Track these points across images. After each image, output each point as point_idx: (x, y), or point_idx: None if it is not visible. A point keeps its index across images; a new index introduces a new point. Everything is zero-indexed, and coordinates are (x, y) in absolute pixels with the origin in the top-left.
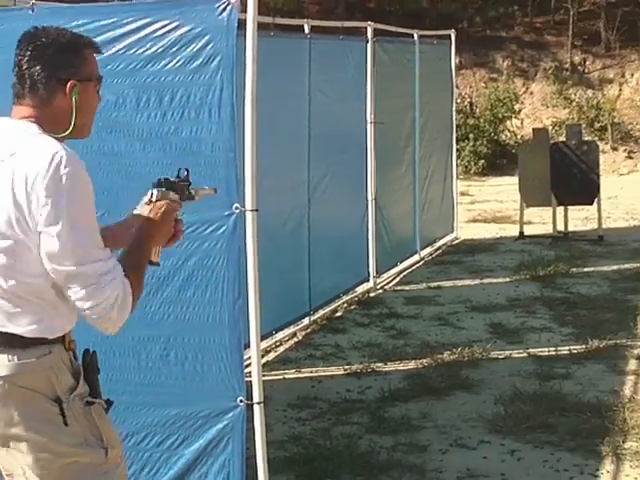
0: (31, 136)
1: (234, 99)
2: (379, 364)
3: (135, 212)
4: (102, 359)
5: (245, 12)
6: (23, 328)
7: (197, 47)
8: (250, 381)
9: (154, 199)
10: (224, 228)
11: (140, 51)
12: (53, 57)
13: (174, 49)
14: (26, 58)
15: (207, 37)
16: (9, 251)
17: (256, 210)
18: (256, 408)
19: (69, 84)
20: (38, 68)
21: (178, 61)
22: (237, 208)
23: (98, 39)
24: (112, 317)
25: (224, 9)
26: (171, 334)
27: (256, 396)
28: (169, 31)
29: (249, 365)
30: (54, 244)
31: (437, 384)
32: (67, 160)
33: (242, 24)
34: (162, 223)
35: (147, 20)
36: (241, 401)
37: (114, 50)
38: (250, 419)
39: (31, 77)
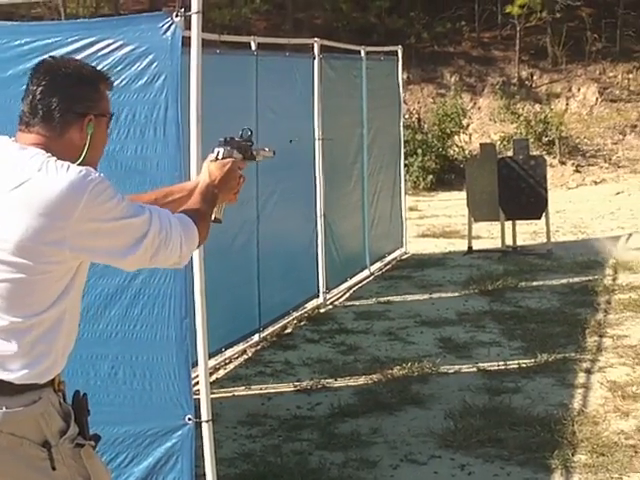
0: (47, 161)
1: (180, 117)
2: (329, 380)
3: (201, 173)
4: None
5: (190, 29)
6: (14, 374)
7: (142, 66)
8: (199, 399)
9: (220, 157)
10: None
11: None
12: (72, 89)
13: (119, 68)
14: (41, 88)
15: (151, 56)
16: (17, 282)
17: None
18: (205, 426)
19: (86, 118)
20: (55, 99)
21: (123, 80)
22: None
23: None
24: (183, 254)
25: (168, 28)
26: (119, 352)
27: (204, 414)
28: (113, 50)
29: (198, 383)
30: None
31: (387, 399)
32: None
33: (187, 41)
34: (228, 179)
35: (92, 39)
36: (189, 419)
37: None
38: (199, 437)
39: (47, 107)
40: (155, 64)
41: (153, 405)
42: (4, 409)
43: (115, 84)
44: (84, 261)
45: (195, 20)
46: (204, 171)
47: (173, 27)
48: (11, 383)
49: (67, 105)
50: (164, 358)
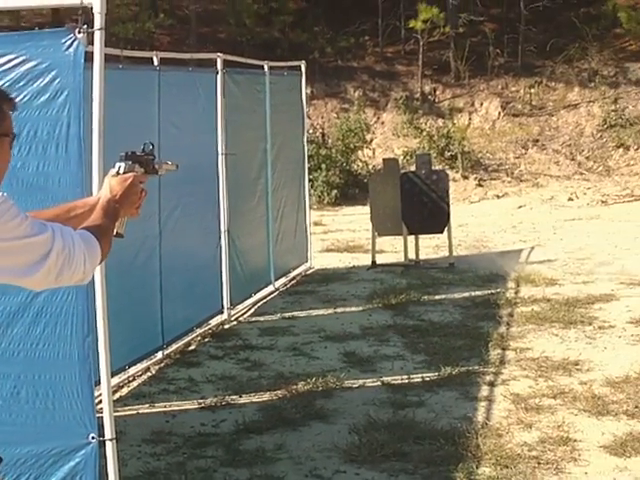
0: None
1: (82, 133)
2: (234, 397)
3: (102, 189)
4: None
5: (93, 44)
6: None
7: (44, 82)
8: (102, 417)
9: (122, 171)
10: None
11: None
12: None
13: (21, 84)
14: None
15: (54, 72)
16: None
17: None
18: (108, 444)
19: None
20: None
21: (25, 96)
22: None
23: None
24: (87, 270)
25: (71, 44)
26: (22, 371)
27: (108, 432)
28: (16, 65)
29: (101, 401)
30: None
31: (292, 415)
32: None
33: (90, 56)
34: (129, 193)
35: None
36: (93, 438)
37: None
38: (103, 455)
39: None
40: (57, 80)
41: (56, 424)
42: None
43: (17, 100)
44: None
45: (98, 37)
46: (105, 186)
47: (76, 43)
48: None
49: None
50: (67, 377)
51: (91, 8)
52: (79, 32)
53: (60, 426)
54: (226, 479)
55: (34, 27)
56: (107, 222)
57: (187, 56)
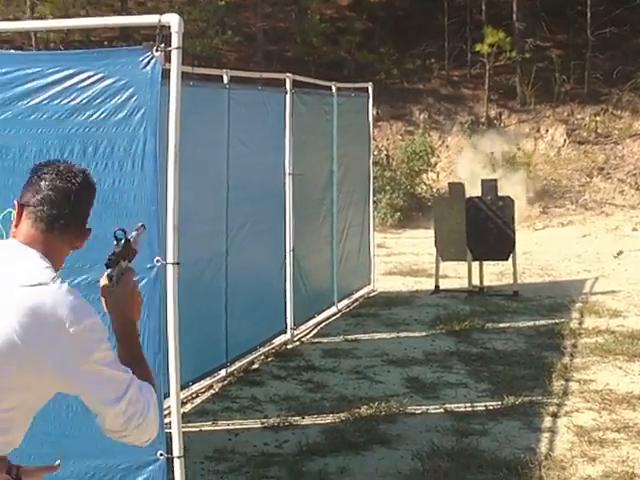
0: None
1: (158, 151)
2: (296, 418)
3: (106, 307)
4: None
5: (168, 61)
6: None
7: (121, 99)
8: (169, 433)
9: (115, 279)
10: (145, 281)
11: (65, 101)
12: None
13: (98, 100)
14: None
15: (131, 90)
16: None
17: (177, 263)
18: (176, 462)
19: None
20: None
21: (102, 112)
22: (158, 261)
23: (22, 88)
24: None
25: (148, 62)
26: None
27: (176, 450)
28: (94, 82)
29: (167, 415)
30: None
31: (355, 438)
32: None
33: (164, 73)
34: (139, 303)
35: (72, 71)
36: (161, 454)
37: (39, 100)
38: (169, 471)
39: None
40: (135, 97)
41: None
42: None
43: (95, 117)
44: None
45: (175, 55)
46: (106, 304)
47: (153, 61)
48: None
49: None
50: None
51: (169, 27)
52: (156, 50)
53: None
54: None
55: (104, 42)
56: (140, 352)
57: (257, 75)
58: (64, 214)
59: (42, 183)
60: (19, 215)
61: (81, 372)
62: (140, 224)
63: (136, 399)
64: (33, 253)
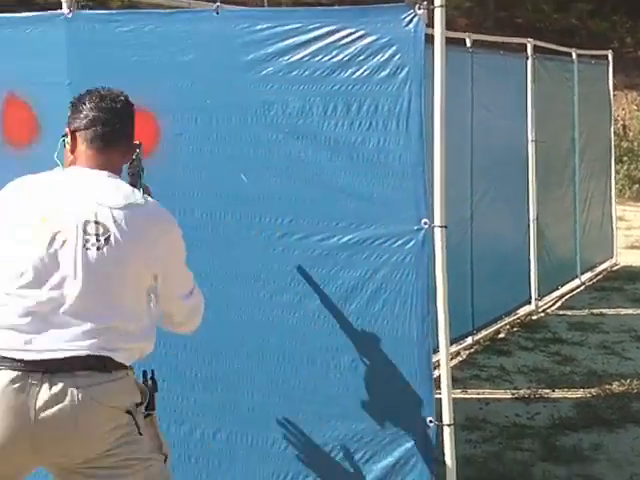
0: None
1: (422, 111)
2: (547, 390)
3: None
4: (289, 368)
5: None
6: (116, 353)
7: (384, 57)
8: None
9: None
10: (412, 242)
11: (326, 58)
12: None
13: (360, 58)
14: None
15: (394, 48)
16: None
17: (445, 227)
18: (446, 430)
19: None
20: None
21: (365, 70)
22: (425, 223)
23: (283, 44)
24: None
25: (410, 20)
26: (359, 347)
27: (446, 417)
28: (355, 40)
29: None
30: None
31: (607, 415)
32: None
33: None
34: None
35: (332, 27)
36: (431, 422)
37: (300, 56)
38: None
39: None
40: (398, 56)
41: (392, 403)
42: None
43: (357, 74)
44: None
45: (439, 14)
46: None
47: (416, 19)
48: (113, 360)
49: None
50: (405, 356)
51: None
52: (419, 9)
53: (396, 405)
54: (545, 475)
55: (334, 4)
56: None
57: (498, 39)
58: (116, 129)
59: (89, 106)
60: (74, 141)
61: (177, 270)
62: (137, 141)
63: (197, 292)
64: (105, 174)
